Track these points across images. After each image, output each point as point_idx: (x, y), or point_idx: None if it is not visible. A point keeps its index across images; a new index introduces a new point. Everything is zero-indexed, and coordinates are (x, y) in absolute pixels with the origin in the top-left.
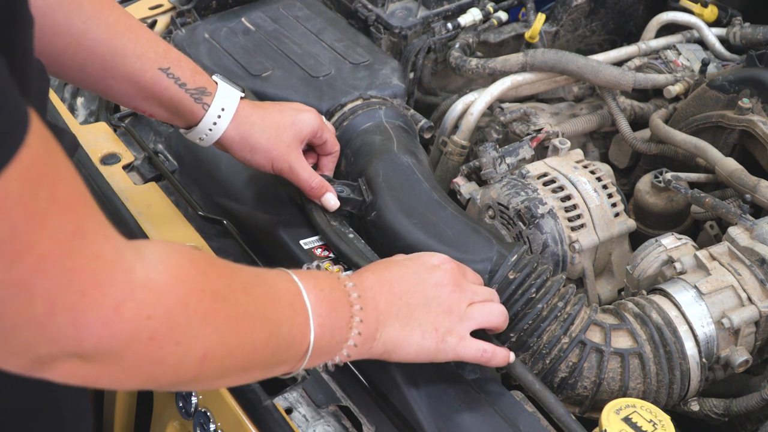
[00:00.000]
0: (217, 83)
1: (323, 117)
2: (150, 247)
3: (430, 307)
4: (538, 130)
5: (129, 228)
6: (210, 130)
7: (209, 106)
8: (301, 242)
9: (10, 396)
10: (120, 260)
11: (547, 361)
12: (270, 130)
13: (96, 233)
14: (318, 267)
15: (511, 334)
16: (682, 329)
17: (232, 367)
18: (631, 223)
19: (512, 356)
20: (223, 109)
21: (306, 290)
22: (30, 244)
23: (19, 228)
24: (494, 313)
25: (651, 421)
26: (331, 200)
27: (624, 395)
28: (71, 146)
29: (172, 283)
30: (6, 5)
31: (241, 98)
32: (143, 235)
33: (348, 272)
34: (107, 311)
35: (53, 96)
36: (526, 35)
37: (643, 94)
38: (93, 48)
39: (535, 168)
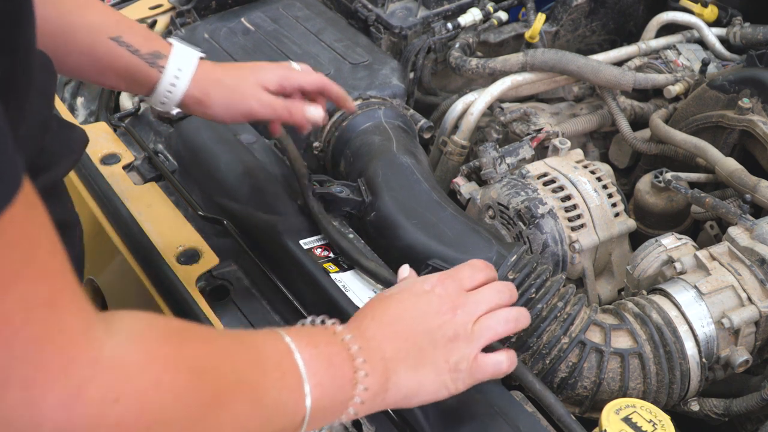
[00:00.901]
0: (172, 45)
1: (293, 65)
2: (122, 321)
3: (437, 340)
4: (538, 130)
5: (129, 228)
6: (169, 92)
7: (164, 69)
8: (301, 242)
9: None
10: (88, 336)
11: (547, 361)
12: (229, 80)
13: (68, 306)
14: (313, 323)
15: (511, 334)
16: (682, 329)
17: None
18: (631, 223)
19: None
20: (180, 70)
21: (298, 348)
22: None
23: None
24: (502, 322)
25: (651, 421)
26: (316, 112)
27: (624, 395)
28: (81, 141)
29: (144, 361)
30: (12, 5)
31: (201, 59)
32: (143, 235)
33: (342, 325)
34: (69, 392)
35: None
36: (526, 35)
37: (643, 94)
38: (43, 28)
39: (535, 168)
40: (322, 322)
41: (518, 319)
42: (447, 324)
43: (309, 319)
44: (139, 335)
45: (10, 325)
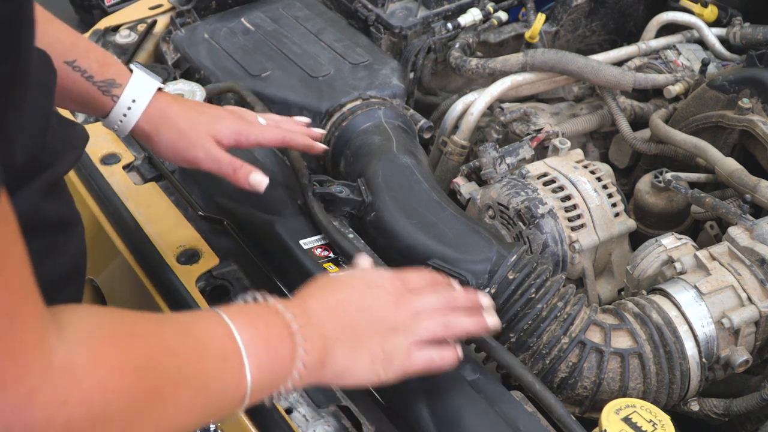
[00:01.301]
0: (132, 72)
1: (260, 120)
2: (71, 323)
3: (377, 328)
4: (538, 130)
5: (129, 228)
6: (120, 121)
7: (118, 98)
8: (301, 242)
9: None
10: (42, 344)
11: (547, 362)
12: (182, 123)
13: (26, 316)
14: (255, 299)
15: (511, 334)
16: (682, 329)
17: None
18: (631, 223)
19: (460, 351)
20: (133, 101)
21: (238, 330)
22: None
23: None
24: (443, 325)
25: (651, 421)
26: (260, 180)
27: (624, 395)
28: (82, 137)
29: (91, 364)
30: (14, 7)
31: (159, 89)
32: (143, 235)
33: (284, 302)
34: (21, 397)
35: None
36: (526, 35)
37: (643, 94)
38: None
39: (535, 168)
40: (264, 298)
41: (454, 326)
42: (389, 316)
43: (249, 295)
44: (87, 338)
45: None
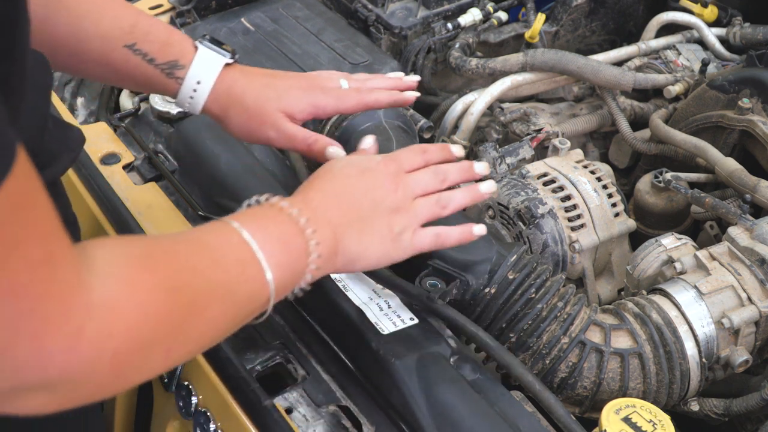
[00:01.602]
0: (197, 49)
1: (342, 83)
2: (99, 256)
3: (380, 210)
4: (538, 130)
5: (129, 228)
6: (188, 103)
7: (183, 80)
8: None
9: None
10: (80, 284)
11: (547, 361)
12: (249, 101)
13: (63, 261)
14: (258, 202)
15: (511, 334)
16: (682, 329)
17: (198, 346)
18: (631, 223)
19: (477, 229)
20: (198, 83)
21: (251, 235)
22: (2, 267)
23: None
24: (441, 203)
25: (651, 421)
26: (338, 151)
27: (624, 395)
28: (78, 139)
29: (128, 294)
30: (9, 7)
31: (227, 65)
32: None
33: (287, 200)
34: (70, 336)
35: (53, 96)
36: (526, 35)
37: (643, 94)
38: (57, 34)
39: (535, 168)
40: (267, 199)
41: (448, 204)
42: (389, 197)
43: (253, 199)
44: (117, 269)
45: (17, 283)
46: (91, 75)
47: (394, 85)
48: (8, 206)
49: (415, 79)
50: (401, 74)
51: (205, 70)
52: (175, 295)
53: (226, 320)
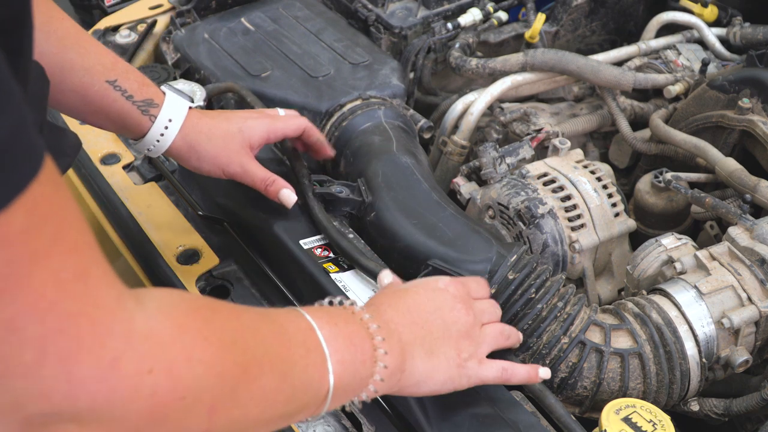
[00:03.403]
0: (165, 93)
1: (279, 111)
2: (151, 295)
3: (451, 333)
4: (538, 130)
5: (129, 228)
6: (157, 141)
7: (156, 118)
8: (301, 242)
9: None
10: (121, 309)
11: (547, 362)
12: (217, 139)
13: (99, 279)
14: (330, 303)
15: None
16: (682, 329)
17: (245, 417)
18: (631, 223)
19: (543, 372)
20: (170, 120)
21: (318, 326)
22: (27, 281)
23: (17, 263)
24: (505, 334)
25: (651, 421)
26: (290, 196)
27: (624, 395)
28: (74, 146)
29: (175, 333)
30: (15, 8)
31: (190, 108)
32: (143, 235)
33: (360, 306)
34: (104, 364)
35: None
36: (526, 35)
37: (643, 94)
38: (42, 61)
39: (535, 168)
40: (340, 302)
41: (511, 336)
42: (460, 320)
43: (327, 299)
44: (169, 309)
45: (44, 299)
46: (63, 105)
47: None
48: (33, 214)
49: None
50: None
51: (175, 110)
52: (229, 350)
53: (279, 400)
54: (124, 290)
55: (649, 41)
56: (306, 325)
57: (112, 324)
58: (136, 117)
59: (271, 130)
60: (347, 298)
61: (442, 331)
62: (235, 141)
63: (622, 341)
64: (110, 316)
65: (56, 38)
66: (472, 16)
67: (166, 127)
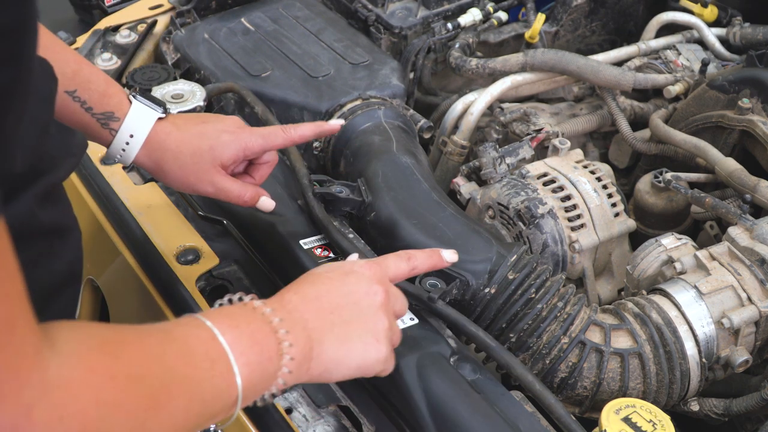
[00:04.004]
0: (131, 103)
1: (260, 130)
2: (63, 336)
3: (367, 317)
4: (538, 130)
5: (129, 228)
6: (120, 155)
7: (117, 132)
8: (301, 242)
9: None
10: (39, 358)
11: (547, 362)
12: (185, 157)
13: (24, 329)
14: (230, 301)
15: (511, 334)
16: (682, 329)
17: None
18: (631, 223)
19: (447, 254)
20: (131, 136)
21: (220, 332)
22: None
23: None
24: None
25: (651, 421)
26: (267, 202)
27: (624, 395)
28: (81, 145)
29: (84, 377)
30: (17, 13)
31: (159, 119)
32: (143, 235)
33: (262, 300)
34: (19, 413)
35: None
36: (526, 35)
37: (643, 94)
38: None
39: (535, 168)
40: (240, 299)
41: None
42: (376, 303)
43: (226, 298)
44: (77, 350)
45: None
46: None
47: (318, 130)
48: None
49: (339, 122)
50: (324, 123)
51: (138, 124)
52: (136, 385)
53: (189, 417)
54: (42, 336)
55: (649, 41)
56: (208, 335)
57: (29, 373)
58: (96, 129)
59: (248, 148)
60: (246, 293)
61: (356, 315)
62: (204, 160)
63: (622, 341)
64: (29, 365)
65: None
66: (472, 16)
67: (127, 143)
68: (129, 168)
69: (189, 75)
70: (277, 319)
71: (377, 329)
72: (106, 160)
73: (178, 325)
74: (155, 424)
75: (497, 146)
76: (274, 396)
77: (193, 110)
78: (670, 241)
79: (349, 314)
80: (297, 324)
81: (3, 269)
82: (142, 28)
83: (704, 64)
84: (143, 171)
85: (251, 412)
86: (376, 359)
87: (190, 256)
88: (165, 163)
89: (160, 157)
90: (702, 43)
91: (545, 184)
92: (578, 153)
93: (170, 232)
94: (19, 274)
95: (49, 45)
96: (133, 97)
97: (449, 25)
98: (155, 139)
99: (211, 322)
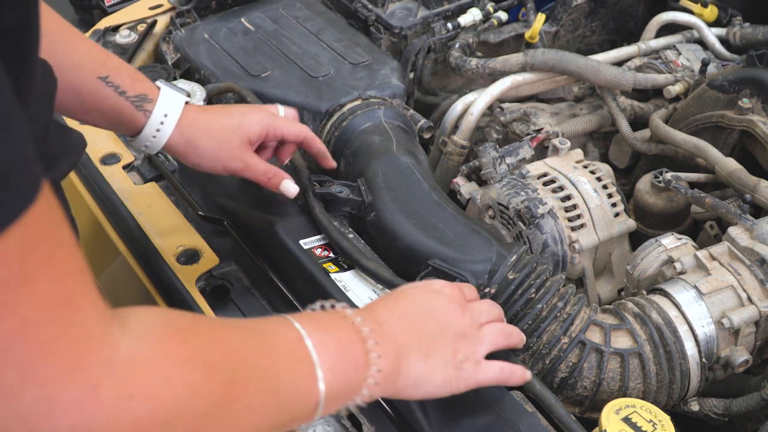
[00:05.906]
0: (159, 88)
1: (280, 110)
2: (135, 318)
3: (446, 334)
4: (538, 130)
5: (129, 228)
6: (154, 137)
7: (151, 113)
8: (301, 242)
9: None
10: (105, 335)
11: (547, 362)
12: (217, 134)
13: (87, 305)
14: (322, 307)
15: None
16: (682, 329)
17: None
18: (631, 223)
19: (529, 374)
20: (165, 116)
21: (307, 333)
22: (16, 303)
23: (8, 285)
24: (505, 333)
25: (651, 421)
26: (290, 187)
27: (624, 395)
28: (79, 145)
29: (157, 357)
30: (24, 14)
31: (186, 103)
32: (143, 235)
33: (353, 309)
34: (85, 390)
35: None
36: (526, 35)
37: (643, 94)
38: None
39: (535, 168)
40: (332, 306)
41: (512, 334)
42: (456, 321)
43: (318, 304)
44: (152, 332)
45: (30, 324)
46: (58, 105)
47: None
48: (27, 238)
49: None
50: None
51: (170, 104)
52: (212, 371)
53: (266, 416)
54: (110, 314)
55: (649, 41)
56: (294, 335)
57: (95, 350)
58: (130, 113)
59: (270, 127)
60: (339, 301)
61: (437, 332)
62: (234, 136)
63: (622, 341)
64: (95, 342)
65: (45, 36)
66: (472, 16)
67: (162, 123)
68: (129, 168)
69: (189, 75)
70: (367, 329)
71: (457, 347)
72: (136, 146)
73: (264, 322)
74: (231, 415)
75: (497, 146)
76: (359, 407)
77: None
78: (670, 241)
79: (434, 333)
80: (388, 337)
81: (60, 245)
82: (142, 28)
83: (704, 64)
84: (143, 171)
85: None
86: (456, 383)
87: (190, 256)
88: (198, 140)
89: (192, 134)
90: (702, 43)
91: (545, 184)
92: (578, 153)
93: (170, 232)
94: (78, 250)
95: (78, 37)
96: (161, 82)
97: (449, 25)
98: (186, 119)
99: (299, 322)
